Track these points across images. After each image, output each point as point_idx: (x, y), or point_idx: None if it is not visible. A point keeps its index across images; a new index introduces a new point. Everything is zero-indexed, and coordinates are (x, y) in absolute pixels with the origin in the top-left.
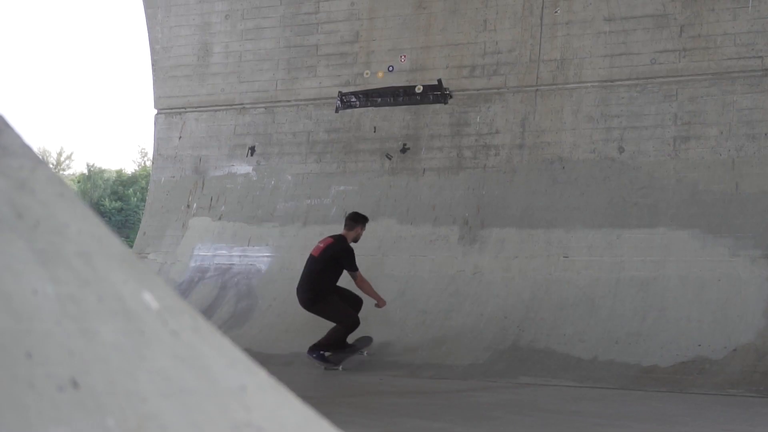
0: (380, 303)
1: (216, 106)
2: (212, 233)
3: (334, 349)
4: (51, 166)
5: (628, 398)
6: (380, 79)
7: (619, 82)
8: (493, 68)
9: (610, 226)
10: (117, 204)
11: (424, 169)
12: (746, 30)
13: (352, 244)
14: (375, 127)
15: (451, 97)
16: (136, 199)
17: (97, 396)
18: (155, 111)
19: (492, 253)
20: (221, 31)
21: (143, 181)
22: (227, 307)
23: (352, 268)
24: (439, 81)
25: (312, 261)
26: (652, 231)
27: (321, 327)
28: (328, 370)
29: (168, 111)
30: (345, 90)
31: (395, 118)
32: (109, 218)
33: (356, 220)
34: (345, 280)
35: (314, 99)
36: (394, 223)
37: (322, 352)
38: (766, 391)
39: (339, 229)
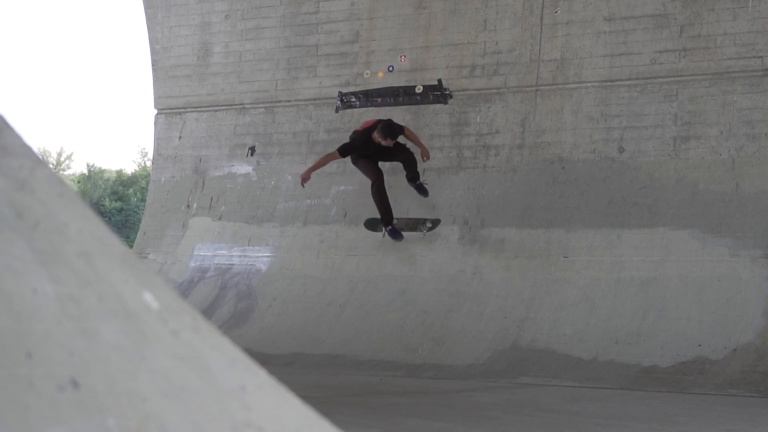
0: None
1: (216, 106)
2: (212, 233)
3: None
4: (51, 166)
5: (628, 398)
6: (380, 79)
7: (619, 82)
8: (493, 68)
9: (610, 226)
10: (117, 204)
11: (424, 169)
12: (746, 30)
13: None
14: None
15: (451, 97)
16: (136, 199)
17: (97, 396)
18: (155, 111)
19: (492, 253)
20: (221, 31)
21: (143, 181)
22: (227, 307)
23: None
24: (439, 81)
25: None
26: (652, 231)
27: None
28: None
29: (168, 111)
30: (345, 90)
31: (395, 118)
32: (109, 218)
33: (379, 128)
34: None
35: (314, 99)
36: None
37: (390, 227)
38: (766, 391)
39: (339, 228)
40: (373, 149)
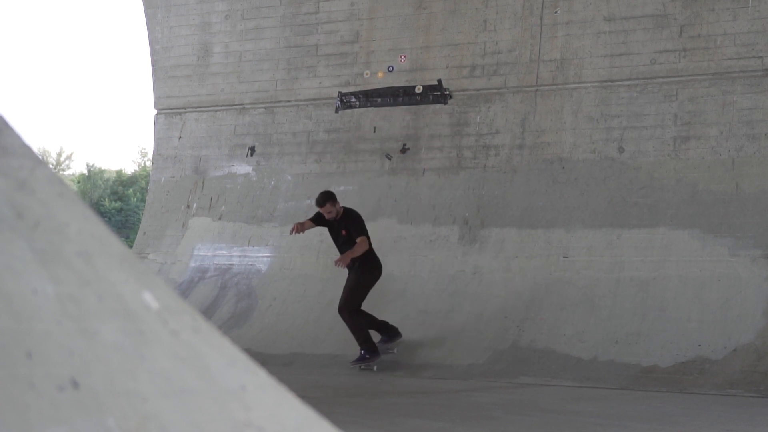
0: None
1: (216, 106)
2: (212, 233)
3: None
4: (51, 166)
5: (628, 398)
6: (380, 79)
7: (619, 82)
8: (493, 68)
9: (610, 226)
10: (117, 204)
11: (424, 169)
12: (746, 30)
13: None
14: (375, 127)
15: (451, 97)
16: (136, 199)
17: (97, 396)
18: (155, 111)
19: (492, 253)
20: (221, 31)
21: (143, 181)
22: (227, 307)
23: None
24: (439, 81)
25: None
26: (652, 231)
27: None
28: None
29: (168, 111)
30: (345, 90)
31: (395, 118)
32: (109, 218)
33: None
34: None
35: (314, 99)
36: (394, 223)
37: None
38: (766, 391)
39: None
40: (327, 223)
